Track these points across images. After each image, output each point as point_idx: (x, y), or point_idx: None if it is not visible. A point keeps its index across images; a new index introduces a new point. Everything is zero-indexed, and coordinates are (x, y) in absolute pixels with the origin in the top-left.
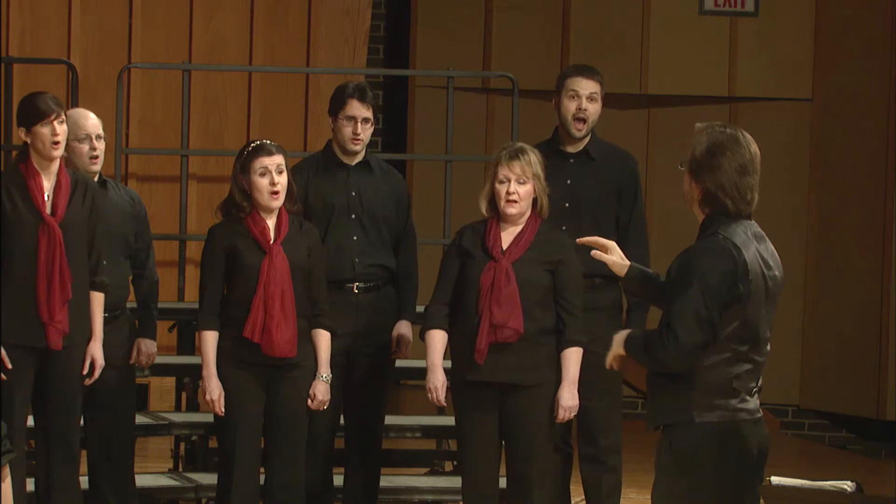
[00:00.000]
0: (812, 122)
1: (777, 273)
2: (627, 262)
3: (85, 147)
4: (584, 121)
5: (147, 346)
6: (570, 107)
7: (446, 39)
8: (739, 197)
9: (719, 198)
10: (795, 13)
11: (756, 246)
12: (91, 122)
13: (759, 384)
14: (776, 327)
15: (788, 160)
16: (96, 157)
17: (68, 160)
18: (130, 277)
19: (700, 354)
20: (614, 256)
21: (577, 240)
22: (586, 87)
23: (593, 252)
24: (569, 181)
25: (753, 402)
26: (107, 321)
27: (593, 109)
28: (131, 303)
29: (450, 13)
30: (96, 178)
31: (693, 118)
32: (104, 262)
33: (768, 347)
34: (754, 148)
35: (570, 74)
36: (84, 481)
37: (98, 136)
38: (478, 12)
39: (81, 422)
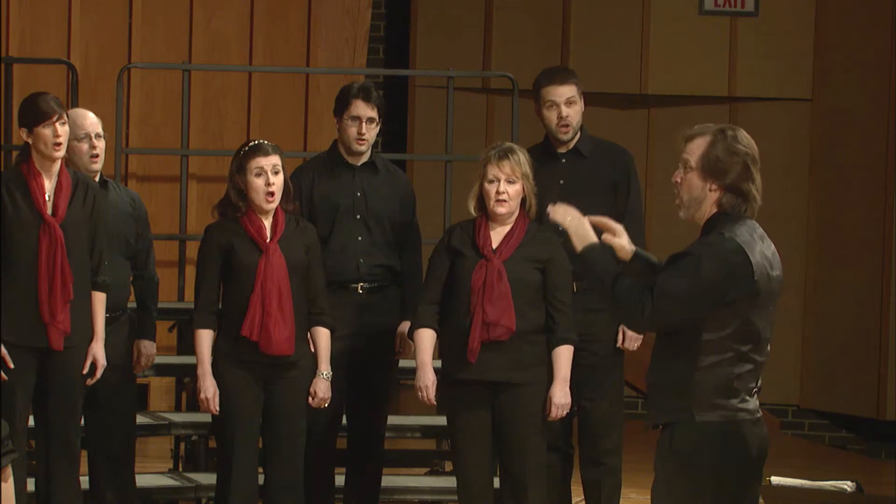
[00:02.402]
0: (812, 122)
1: (778, 273)
2: (633, 248)
3: (84, 146)
4: (567, 125)
5: (146, 347)
6: (551, 117)
7: (446, 39)
8: (758, 194)
9: (742, 196)
10: (795, 13)
11: (760, 246)
12: (90, 121)
13: (758, 384)
14: (776, 327)
15: (788, 160)
16: (96, 156)
17: (69, 160)
18: (131, 278)
19: (664, 327)
20: (622, 240)
21: (588, 217)
22: (562, 93)
23: (604, 236)
24: (562, 181)
25: (753, 402)
26: (107, 321)
27: (574, 112)
28: (132, 303)
29: (450, 13)
30: (97, 178)
31: (693, 118)
32: (106, 263)
33: (768, 347)
34: (755, 146)
35: (543, 84)
36: (84, 481)
37: (97, 135)
38: (478, 12)
39: (82, 422)
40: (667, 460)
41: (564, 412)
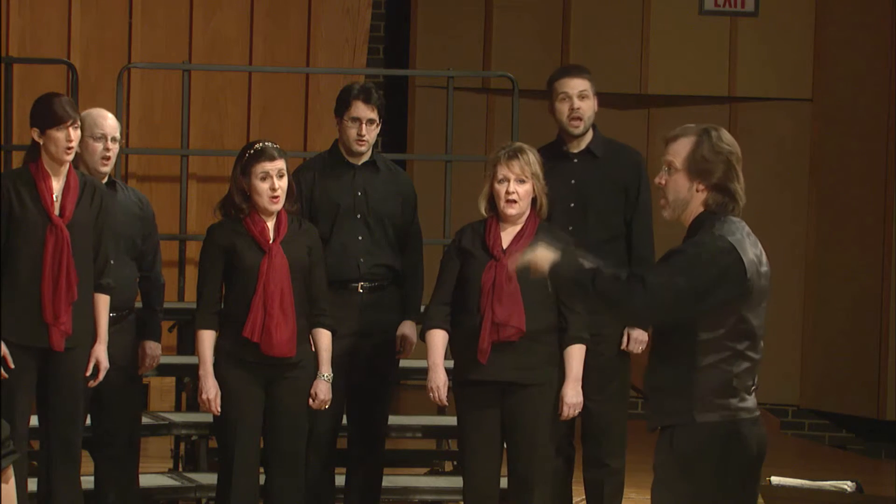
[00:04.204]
0: (812, 122)
1: (767, 269)
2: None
3: (99, 146)
4: (580, 118)
5: (152, 348)
6: (564, 109)
7: (446, 39)
8: (743, 194)
9: (729, 195)
10: (795, 13)
11: (750, 244)
12: (109, 122)
13: (755, 382)
14: (776, 327)
15: (788, 160)
16: (108, 158)
17: (79, 157)
18: (137, 279)
19: (659, 319)
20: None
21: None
22: (575, 86)
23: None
24: (573, 181)
25: (752, 401)
26: (114, 321)
27: (587, 106)
28: (138, 303)
29: (450, 13)
30: (105, 179)
31: (693, 118)
32: (112, 263)
33: (762, 344)
34: (738, 146)
35: (557, 77)
36: (90, 481)
37: (113, 139)
38: (478, 12)
39: (88, 421)
40: (667, 462)
41: (576, 412)
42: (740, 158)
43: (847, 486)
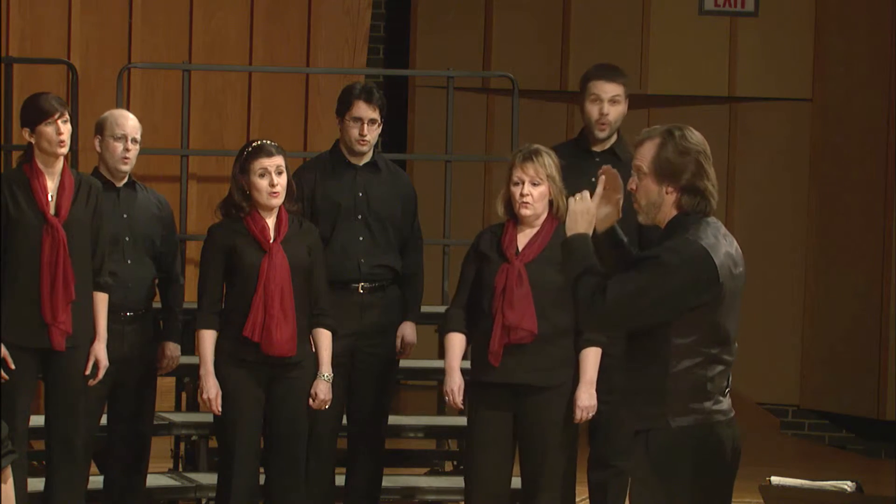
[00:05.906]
0: (812, 122)
1: (741, 269)
2: (612, 223)
3: (119, 146)
4: (606, 124)
5: (171, 349)
6: (593, 111)
7: (446, 39)
8: (714, 190)
9: (700, 194)
10: (795, 13)
11: (725, 245)
12: (130, 123)
13: (729, 383)
14: (776, 328)
15: (788, 160)
16: (127, 158)
17: (100, 156)
18: (156, 280)
19: (618, 329)
20: (610, 209)
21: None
22: (608, 90)
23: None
24: (594, 180)
25: (727, 402)
26: (130, 321)
27: (616, 112)
28: (156, 303)
29: (450, 13)
30: (125, 179)
31: (693, 118)
32: (129, 261)
33: (736, 345)
34: (705, 142)
35: (591, 77)
36: (99, 481)
37: (133, 139)
38: (478, 12)
39: (104, 420)
40: (644, 466)
41: (590, 415)
42: (708, 155)
43: (847, 486)
